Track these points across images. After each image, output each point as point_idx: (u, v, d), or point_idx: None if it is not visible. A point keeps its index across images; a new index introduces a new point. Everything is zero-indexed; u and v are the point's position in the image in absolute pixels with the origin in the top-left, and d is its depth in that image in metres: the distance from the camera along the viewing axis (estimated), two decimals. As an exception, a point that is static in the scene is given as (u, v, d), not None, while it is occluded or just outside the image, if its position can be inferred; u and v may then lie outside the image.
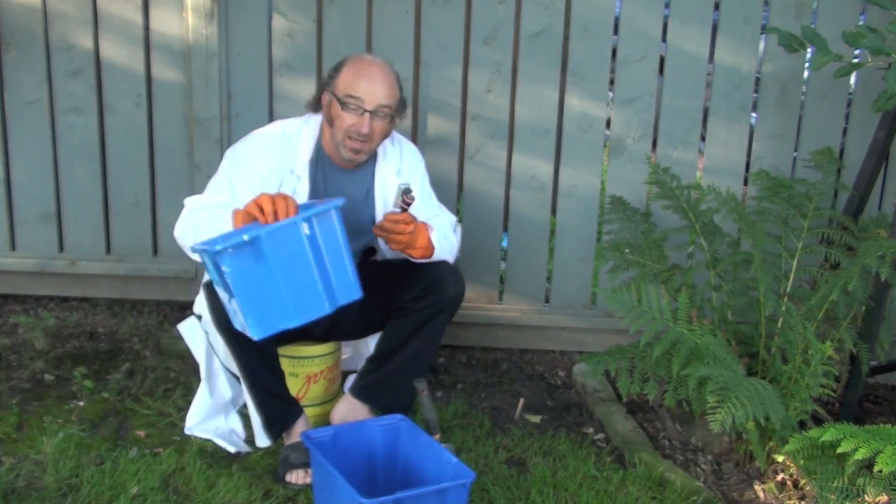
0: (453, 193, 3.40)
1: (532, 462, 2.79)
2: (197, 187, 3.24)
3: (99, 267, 3.50)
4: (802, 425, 2.73)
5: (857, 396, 2.95)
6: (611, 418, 3.04)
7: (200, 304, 2.66)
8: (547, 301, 3.54)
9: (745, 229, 2.94)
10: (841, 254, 2.90)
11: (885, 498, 2.40)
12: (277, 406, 2.66)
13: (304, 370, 2.83)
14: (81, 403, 2.94)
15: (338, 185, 2.75)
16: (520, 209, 3.43)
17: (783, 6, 3.25)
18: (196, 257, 2.51)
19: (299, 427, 2.68)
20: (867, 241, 2.82)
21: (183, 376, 3.12)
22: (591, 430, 3.03)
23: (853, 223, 3.07)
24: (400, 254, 2.68)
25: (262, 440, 2.69)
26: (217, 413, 2.80)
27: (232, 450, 2.71)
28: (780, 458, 2.67)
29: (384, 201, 2.78)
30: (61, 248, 3.51)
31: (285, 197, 2.28)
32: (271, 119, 3.31)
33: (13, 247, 3.50)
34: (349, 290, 2.23)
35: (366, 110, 2.59)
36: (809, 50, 2.97)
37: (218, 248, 2.10)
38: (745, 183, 3.47)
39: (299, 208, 2.30)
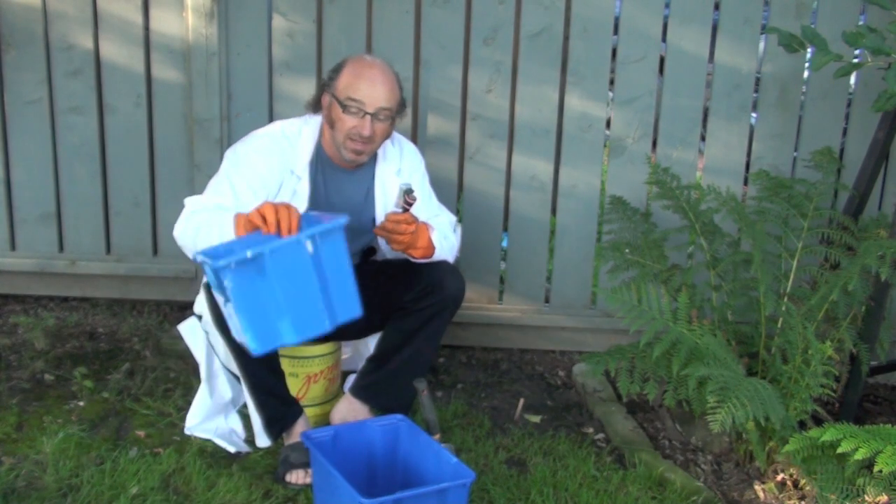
0: (453, 193, 3.40)
1: (532, 462, 2.79)
2: (197, 187, 3.24)
3: (99, 267, 3.50)
4: (802, 425, 2.73)
5: (857, 396, 2.95)
6: (611, 418, 3.04)
7: (200, 304, 2.66)
8: (547, 301, 3.54)
9: (745, 229, 2.94)
10: (841, 254, 2.90)
11: (885, 498, 2.40)
12: (277, 406, 2.66)
13: (304, 370, 2.83)
14: (81, 403, 2.94)
15: (338, 186, 2.75)
16: (520, 209, 3.43)
17: (783, 6, 3.25)
18: (197, 253, 2.51)
19: (299, 427, 2.68)
20: (867, 241, 2.82)
21: (183, 376, 3.12)
22: (591, 430, 3.03)
23: (853, 223, 3.07)
24: (400, 254, 2.68)
25: (262, 440, 2.69)
26: (217, 413, 2.80)
27: (232, 450, 2.71)
28: (780, 458, 2.67)
29: (384, 202, 2.78)
30: (61, 248, 3.51)
31: (288, 207, 2.28)
32: (271, 119, 3.31)
33: (13, 247, 3.50)
34: (350, 308, 2.22)
35: (367, 113, 2.59)
36: (809, 50, 2.97)
37: (221, 263, 2.08)
38: (745, 183, 3.47)
39: (302, 218, 2.29)
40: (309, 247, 2.11)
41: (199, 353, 2.77)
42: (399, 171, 2.80)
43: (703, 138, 3.42)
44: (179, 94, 3.34)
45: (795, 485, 2.69)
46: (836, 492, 2.44)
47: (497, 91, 3.32)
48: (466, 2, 3.27)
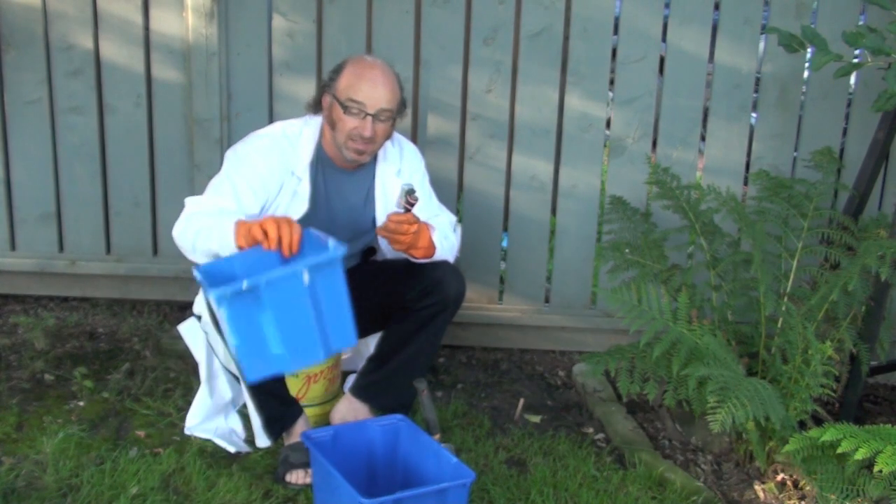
0: (453, 193, 3.40)
1: (532, 462, 2.79)
2: (197, 187, 3.24)
3: (99, 267, 3.50)
4: (802, 425, 2.73)
5: (857, 396, 2.95)
6: (611, 418, 3.04)
7: (200, 304, 2.66)
8: (547, 301, 3.54)
9: (745, 229, 2.94)
10: (841, 254, 2.90)
11: None
12: (277, 406, 2.66)
13: (304, 370, 2.83)
14: (81, 403, 2.94)
15: (338, 187, 2.75)
16: (520, 209, 3.43)
17: (783, 6, 3.25)
18: (194, 257, 2.51)
19: (299, 427, 2.68)
20: (867, 241, 2.82)
21: (183, 376, 3.12)
22: (591, 430, 3.03)
23: (853, 223, 3.07)
24: (400, 253, 2.68)
25: (262, 440, 2.69)
26: (217, 413, 2.80)
27: (232, 450, 2.71)
28: (780, 458, 2.67)
29: (384, 202, 2.78)
30: (61, 248, 3.51)
31: (290, 222, 2.27)
32: (271, 119, 3.31)
33: (13, 247, 3.50)
34: (345, 337, 2.20)
35: (368, 114, 2.59)
36: (809, 50, 2.97)
37: (216, 294, 2.07)
38: (745, 183, 3.47)
39: (303, 235, 2.28)
40: (306, 278, 2.08)
41: (198, 354, 2.77)
42: (399, 172, 2.80)
43: (703, 138, 3.42)
44: (179, 93, 3.34)
45: (795, 485, 2.69)
46: (836, 492, 2.44)
47: (497, 91, 3.32)
48: (466, 2, 3.27)
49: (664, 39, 3.31)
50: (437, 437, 2.48)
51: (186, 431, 2.78)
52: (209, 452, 2.70)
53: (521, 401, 3.14)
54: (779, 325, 2.81)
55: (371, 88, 2.60)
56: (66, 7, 3.29)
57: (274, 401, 2.65)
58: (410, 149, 2.89)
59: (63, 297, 3.62)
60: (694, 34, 3.28)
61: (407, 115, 2.81)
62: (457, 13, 3.27)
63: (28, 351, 3.24)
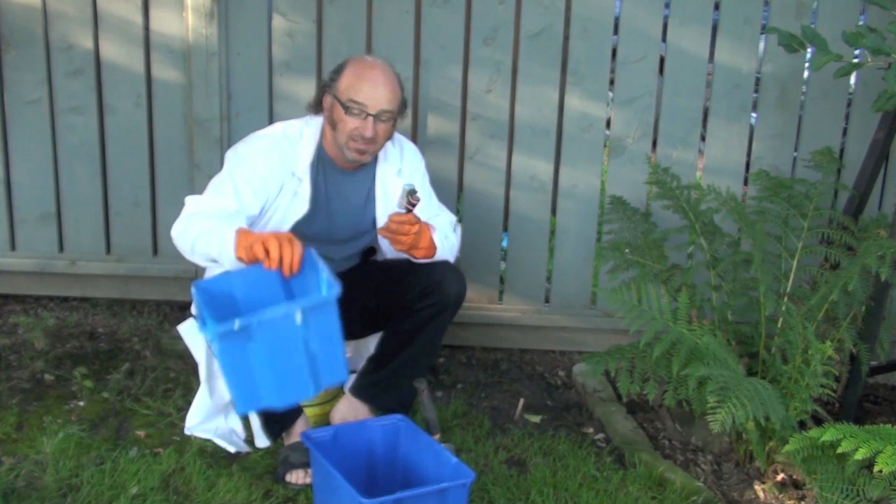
0: (453, 193, 3.40)
1: (532, 462, 2.79)
2: (197, 187, 3.24)
3: (99, 267, 3.50)
4: (802, 425, 2.73)
5: (857, 396, 2.95)
6: (611, 418, 3.04)
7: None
8: (547, 301, 3.54)
9: (745, 229, 2.94)
10: (841, 254, 2.90)
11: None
12: (277, 406, 2.66)
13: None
14: (81, 403, 2.94)
15: (339, 187, 2.76)
16: (520, 209, 3.43)
17: (783, 6, 3.25)
18: (194, 258, 2.51)
19: (299, 427, 2.68)
20: (867, 241, 2.82)
21: (183, 376, 3.12)
22: (591, 430, 3.03)
23: (853, 223, 3.07)
24: (401, 254, 2.68)
25: (262, 440, 2.69)
26: (217, 413, 2.80)
27: (232, 450, 2.71)
28: (780, 458, 2.67)
29: (385, 202, 2.78)
30: (61, 248, 3.51)
31: (292, 242, 2.26)
32: (271, 119, 3.31)
33: (13, 247, 3.50)
34: (336, 373, 2.18)
35: (369, 114, 2.59)
36: (809, 50, 2.97)
37: (208, 333, 2.07)
38: (745, 183, 3.47)
39: (304, 255, 2.27)
40: (298, 318, 2.06)
41: (198, 354, 2.76)
42: (400, 172, 2.80)
43: (703, 138, 3.42)
44: (179, 93, 3.34)
45: (795, 485, 2.69)
46: (836, 492, 2.44)
47: (497, 91, 3.32)
48: (466, 2, 3.27)
49: (664, 39, 3.31)
50: (437, 437, 2.48)
51: (186, 431, 2.78)
52: (209, 452, 2.70)
53: (521, 401, 3.14)
54: (779, 325, 2.81)
55: (372, 89, 2.60)
56: (66, 7, 3.29)
57: (274, 401, 2.65)
58: (411, 149, 2.89)
59: (63, 297, 3.62)
60: (694, 34, 3.28)
61: (407, 115, 2.81)
62: (457, 13, 3.27)
63: (28, 351, 3.24)
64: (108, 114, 3.38)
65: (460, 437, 2.88)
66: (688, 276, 2.97)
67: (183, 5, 3.25)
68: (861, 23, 3.23)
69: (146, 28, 3.31)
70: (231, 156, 2.67)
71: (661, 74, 3.36)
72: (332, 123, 2.66)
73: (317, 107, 2.74)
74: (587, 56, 3.29)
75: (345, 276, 2.85)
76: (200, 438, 2.74)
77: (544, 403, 3.20)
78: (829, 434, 2.31)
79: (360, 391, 2.81)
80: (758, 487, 2.70)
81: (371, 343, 2.92)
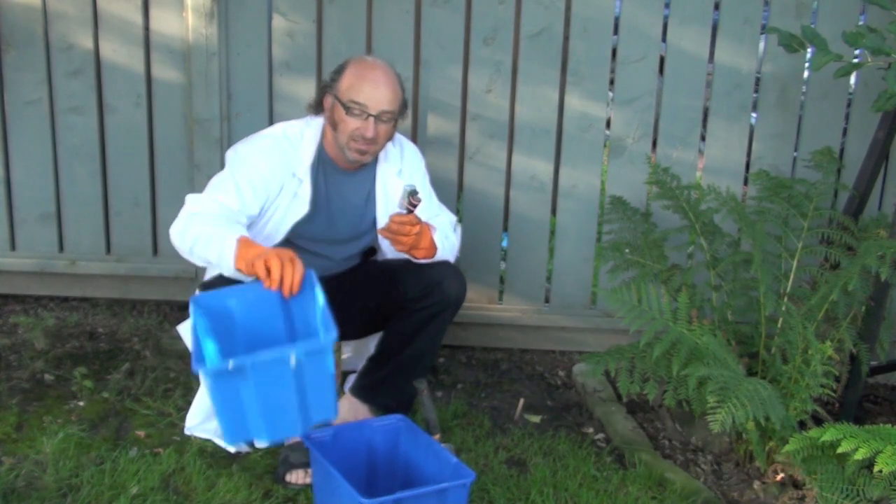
0: (453, 193, 3.40)
1: (532, 462, 2.79)
2: (197, 187, 3.23)
3: (99, 267, 3.50)
4: (802, 425, 2.73)
5: (857, 396, 2.95)
6: (611, 418, 3.04)
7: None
8: (547, 301, 3.54)
9: (745, 229, 2.94)
10: (841, 254, 2.90)
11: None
12: (277, 406, 2.66)
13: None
14: (81, 403, 2.94)
15: (339, 188, 2.76)
16: (520, 209, 3.43)
17: (783, 6, 3.25)
18: (192, 259, 2.50)
19: (299, 427, 2.68)
20: (867, 241, 2.82)
21: (183, 376, 3.12)
22: (591, 430, 3.03)
23: (853, 223, 3.07)
24: (401, 253, 2.68)
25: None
26: (217, 413, 2.80)
27: (232, 450, 2.71)
28: (780, 458, 2.67)
29: (385, 202, 2.78)
30: (61, 248, 3.51)
31: (293, 262, 2.26)
32: (271, 119, 3.31)
33: (13, 247, 3.50)
34: (326, 411, 2.18)
35: (370, 115, 2.59)
36: (809, 50, 2.97)
37: (202, 371, 2.07)
38: (745, 183, 3.47)
39: (306, 275, 2.27)
40: (293, 361, 2.06)
41: (198, 354, 2.77)
42: (400, 172, 2.80)
43: (703, 138, 3.42)
44: (179, 94, 3.34)
45: (795, 485, 2.69)
46: (836, 492, 2.44)
47: (497, 91, 3.32)
48: (466, 2, 3.27)
49: (664, 39, 3.31)
50: (437, 437, 2.48)
51: (186, 431, 2.77)
52: (209, 452, 2.70)
53: (521, 401, 3.14)
54: (779, 325, 2.81)
55: (373, 89, 2.60)
56: (66, 7, 3.29)
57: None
58: (411, 149, 2.89)
59: (63, 297, 3.62)
60: (694, 34, 3.28)
61: (408, 115, 2.81)
62: (457, 13, 3.27)
63: (28, 351, 3.24)
64: (108, 114, 3.38)
65: (460, 437, 2.88)
66: (688, 276, 2.97)
67: (183, 5, 3.25)
68: (861, 23, 3.23)
69: (146, 28, 3.31)
70: (232, 155, 2.67)
71: (661, 74, 3.36)
72: (332, 124, 2.66)
73: (317, 107, 2.75)
74: (587, 56, 3.29)
75: (345, 276, 2.87)
76: (200, 438, 2.74)
77: (544, 403, 3.20)
78: (829, 434, 2.31)
79: (360, 391, 2.81)
80: (758, 487, 2.70)
81: (371, 343, 2.92)
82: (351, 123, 2.60)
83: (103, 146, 3.42)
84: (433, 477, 2.34)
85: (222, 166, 2.69)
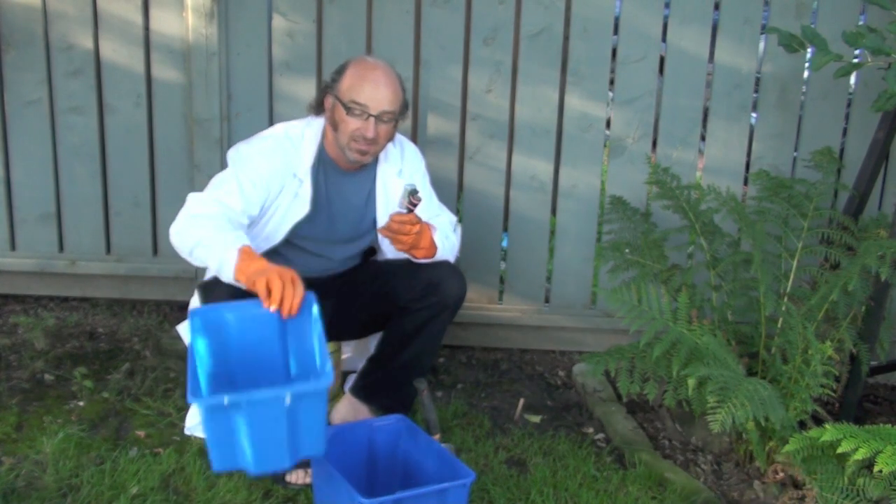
0: (453, 193, 3.40)
1: (532, 462, 2.79)
2: (197, 187, 3.23)
3: (99, 267, 3.50)
4: (802, 425, 2.73)
5: (857, 396, 2.95)
6: (611, 418, 3.04)
7: (195, 305, 2.65)
8: (547, 301, 3.54)
9: (745, 229, 2.94)
10: (841, 254, 2.90)
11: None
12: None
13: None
14: (81, 403, 2.94)
15: (340, 188, 2.76)
16: (520, 209, 3.43)
17: (783, 6, 3.25)
18: (191, 261, 2.50)
19: (299, 427, 2.68)
20: (867, 241, 2.82)
21: (183, 376, 3.11)
22: (591, 430, 3.03)
23: (853, 223, 3.07)
24: (401, 253, 2.68)
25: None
26: (217, 413, 2.80)
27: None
28: (780, 458, 2.67)
29: (386, 203, 2.78)
30: (61, 248, 3.51)
31: (294, 283, 2.25)
32: (271, 119, 3.31)
33: (13, 247, 3.50)
34: (315, 447, 2.18)
35: (370, 115, 2.59)
36: (809, 50, 2.97)
37: (198, 404, 2.08)
38: (745, 183, 3.47)
39: (306, 297, 2.26)
40: (288, 400, 2.07)
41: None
42: (400, 172, 2.80)
43: (703, 138, 3.42)
44: (179, 94, 3.35)
45: (795, 485, 2.69)
46: (836, 492, 2.44)
47: (497, 91, 3.33)
48: (466, 2, 3.27)
49: (664, 39, 3.31)
50: (437, 437, 2.48)
51: (186, 431, 2.78)
52: (209, 452, 2.70)
53: (521, 401, 3.14)
54: (779, 325, 2.81)
55: (374, 90, 2.60)
56: (66, 7, 3.29)
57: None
58: (411, 149, 2.89)
59: (63, 297, 3.62)
60: (694, 34, 3.28)
61: (408, 116, 2.81)
62: (457, 13, 3.27)
63: (28, 351, 3.24)
64: (108, 114, 3.38)
65: (460, 437, 2.88)
66: (688, 276, 2.97)
67: (183, 5, 3.25)
68: (861, 23, 3.23)
69: (146, 28, 3.31)
70: (234, 155, 2.67)
71: (661, 74, 3.36)
72: (333, 124, 2.66)
73: (318, 108, 2.75)
74: (587, 56, 3.29)
75: (345, 276, 2.87)
76: (200, 438, 2.74)
77: (544, 403, 3.20)
78: (829, 434, 2.31)
79: (360, 391, 2.81)
80: (758, 487, 2.70)
81: (371, 343, 2.92)
82: (352, 124, 2.60)
83: (103, 146, 3.42)
84: (433, 477, 2.34)
85: (222, 166, 2.69)
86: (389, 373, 2.76)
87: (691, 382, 2.55)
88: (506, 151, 3.40)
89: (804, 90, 3.35)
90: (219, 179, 2.61)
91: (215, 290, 2.45)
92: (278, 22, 3.27)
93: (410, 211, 2.55)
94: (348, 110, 2.60)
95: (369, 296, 2.81)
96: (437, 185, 2.99)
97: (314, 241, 2.78)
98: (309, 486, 2.53)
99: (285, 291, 2.23)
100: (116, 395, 2.99)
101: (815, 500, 2.55)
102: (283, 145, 2.67)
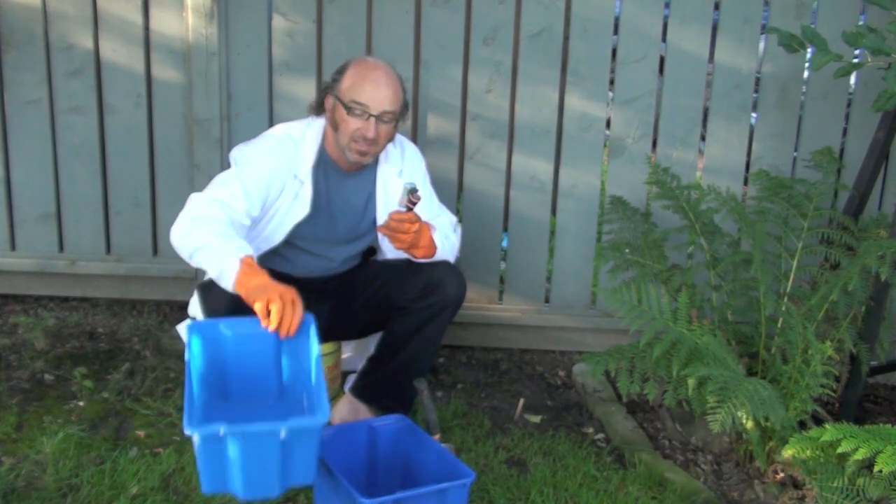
0: (453, 193, 3.40)
1: (532, 462, 2.79)
2: (197, 187, 3.23)
3: (99, 267, 3.50)
4: (802, 425, 2.73)
5: (857, 396, 2.95)
6: (611, 418, 3.04)
7: (195, 306, 2.65)
8: (547, 301, 3.54)
9: (745, 229, 2.94)
10: (841, 254, 2.90)
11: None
12: (277, 406, 2.66)
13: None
14: (81, 403, 2.94)
15: (340, 189, 2.76)
16: (520, 209, 3.43)
17: (783, 6, 3.25)
18: (191, 263, 2.49)
19: (299, 427, 2.68)
20: (867, 241, 2.82)
21: (183, 376, 3.12)
22: (591, 430, 3.03)
23: (853, 223, 3.07)
24: (401, 253, 2.68)
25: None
26: (217, 413, 2.80)
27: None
28: (780, 458, 2.67)
29: (386, 203, 2.78)
30: (61, 248, 3.51)
31: (294, 305, 2.23)
32: (271, 119, 3.31)
33: (13, 247, 3.50)
34: (305, 476, 2.18)
35: (371, 115, 2.59)
36: (809, 50, 2.97)
37: (192, 432, 2.08)
38: (745, 183, 3.47)
39: (304, 318, 2.26)
40: (282, 434, 2.07)
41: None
42: (401, 172, 2.80)
43: (703, 138, 3.42)
44: (179, 94, 3.35)
45: (795, 485, 2.69)
46: (836, 492, 2.44)
47: (497, 91, 3.33)
48: (466, 2, 3.27)
49: (664, 39, 3.31)
50: (437, 437, 2.48)
51: (186, 431, 2.77)
52: (209, 452, 2.69)
53: (521, 401, 3.14)
54: (779, 325, 2.81)
55: (374, 90, 2.60)
56: (66, 7, 3.29)
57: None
58: (412, 149, 2.89)
59: (63, 297, 3.62)
60: (694, 34, 3.28)
61: (408, 117, 2.81)
62: (457, 13, 3.27)
63: (28, 351, 3.24)
64: (108, 114, 3.38)
65: (460, 437, 2.88)
66: (688, 276, 2.97)
67: (183, 5, 3.25)
68: (861, 23, 3.23)
69: (146, 28, 3.31)
70: (237, 155, 2.66)
71: (661, 74, 3.36)
72: (334, 124, 2.67)
73: (318, 108, 2.75)
74: (587, 56, 3.29)
75: (345, 277, 2.87)
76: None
77: (544, 403, 3.20)
78: (829, 434, 2.31)
79: (360, 391, 2.81)
80: (758, 487, 2.70)
81: (371, 343, 2.92)
82: (352, 124, 2.60)
83: (103, 146, 3.42)
84: (433, 477, 2.34)
85: (222, 166, 2.69)
86: (389, 373, 2.76)
87: (691, 382, 2.56)
88: (506, 151, 3.40)
89: (804, 90, 3.35)
90: (221, 179, 2.61)
91: (215, 291, 2.44)
92: (278, 22, 3.27)
93: (410, 209, 2.55)
94: (349, 110, 2.60)
95: (369, 296, 2.81)
96: (437, 185, 2.99)
97: (314, 242, 2.78)
98: (309, 486, 2.52)
99: (284, 313, 2.22)
100: (116, 395, 2.99)
101: (815, 500, 2.55)
102: (285, 146, 2.67)
